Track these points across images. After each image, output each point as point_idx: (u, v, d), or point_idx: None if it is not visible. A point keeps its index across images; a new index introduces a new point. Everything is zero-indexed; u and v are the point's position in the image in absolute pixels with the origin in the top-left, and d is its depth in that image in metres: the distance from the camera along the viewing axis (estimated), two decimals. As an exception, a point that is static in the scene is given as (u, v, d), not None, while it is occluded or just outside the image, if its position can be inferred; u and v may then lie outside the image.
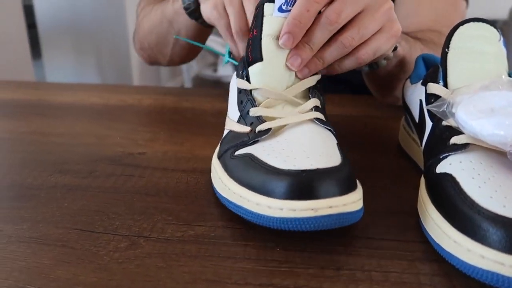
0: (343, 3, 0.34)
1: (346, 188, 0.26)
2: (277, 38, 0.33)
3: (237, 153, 0.31)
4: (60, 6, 2.76)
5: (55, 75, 2.91)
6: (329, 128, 0.32)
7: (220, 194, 0.31)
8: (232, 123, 0.34)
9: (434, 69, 0.34)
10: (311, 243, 0.27)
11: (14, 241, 0.27)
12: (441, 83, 0.32)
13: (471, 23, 0.33)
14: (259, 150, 0.29)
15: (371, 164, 0.39)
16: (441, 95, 0.32)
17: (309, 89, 0.34)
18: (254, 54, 0.34)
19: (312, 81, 0.34)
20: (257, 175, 0.27)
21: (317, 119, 0.32)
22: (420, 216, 0.29)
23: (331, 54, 0.35)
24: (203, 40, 0.60)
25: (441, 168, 0.29)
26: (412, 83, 0.40)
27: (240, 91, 0.34)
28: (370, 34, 0.36)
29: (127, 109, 0.57)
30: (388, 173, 0.37)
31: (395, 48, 0.43)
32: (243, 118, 0.33)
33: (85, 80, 2.86)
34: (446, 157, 0.29)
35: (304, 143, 0.29)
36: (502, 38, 0.33)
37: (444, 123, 0.30)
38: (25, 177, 0.35)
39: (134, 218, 0.29)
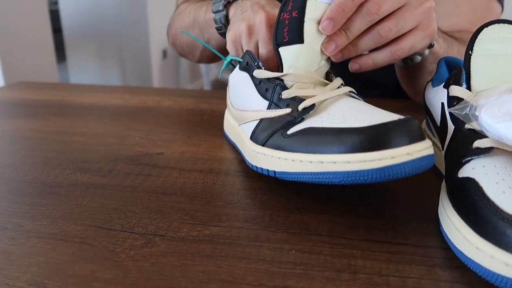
0: None
1: (419, 137, 0.26)
2: (318, 22, 0.34)
3: (290, 132, 0.31)
4: (84, 11, 2.83)
5: (79, 78, 2.99)
6: (363, 100, 0.34)
7: (287, 172, 0.30)
8: (261, 112, 0.35)
9: (457, 72, 0.33)
10: (328, 247, 0.26)
11: (33, 237, 0.27)
12: (464, 85, 0.32)
13: (496, 25, 0.32)
14: (317, 123, 0.30)
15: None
16: (464, 98, 0.31)
17: (328, 71, 0.36)
18: (291, 35, 0.35)
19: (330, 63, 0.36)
20: (333, 138, 0.27)
21: (351, 92, 0.34)
22: (441, 221, 0.28)
23: (366, 42, 0.36)
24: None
25: (463, 172, 0.28)
26: (434, 86, 0.39)
27: (260, 81, 0.36)
28: (407, 29, 0.36)
29: (147, 110, 0.58)
30: (409, 178, 0.36)
31: (432, 45, 0.43)
32: (275, 103, 0.34)
33: (107, 82, 2.92)
34: (468, 161, 0.28)
35: (357, 109, 0.30)
36: None
37: (467, 126, 0.30)
38: (46, 174, 0.36)
39: (151, 217, 0.30)
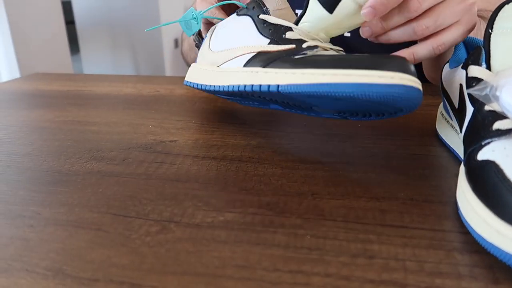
0: None
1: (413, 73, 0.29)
2: (357, 3, 0.34)
3: (296, 56, 0.32)
4: (96, 3, 2.84)
5: (92, 68, 3.01)
6: None
7: (303, 85, 0.30)
8: (260, 47, 0.35)
9: (476, 51, 0.32)
10: (343, 232, 0.26)
11: (51, 224, 0.27)
12: (484, 65, 0.31)
13: None
14: (322, 53, 0.32)
15: (407, 152, 0.38)
16: (484, 78, 0.30)
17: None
18: (323, 1, 0.35)
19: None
20: (340, 58, 0.30)
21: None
22: (459, 205, 0.27)
23: (398, 35, 0.36)
24: None
25: (483, 155, 0.27)
26: (451, 67, 0.38)
27: (264, 22, 0.37)
28: (447, 25, 0.36)
29: (160, 99, 0.58)
30: (425, 162, 0.36)
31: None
32: (277, 41, 0.35)
33: (120, 72, 2.94)
34: (488, 143, 0.27)
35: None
36: None
37: (486, 107, 0.29)
38: (62, 163, 0.37)
39: (165, 203, 0.30)
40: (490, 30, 0.31)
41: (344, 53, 0.33)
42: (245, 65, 0.36)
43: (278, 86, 0.31)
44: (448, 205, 0.29)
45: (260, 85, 0.32)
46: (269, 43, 0.36)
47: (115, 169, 0.35)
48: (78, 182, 0.33)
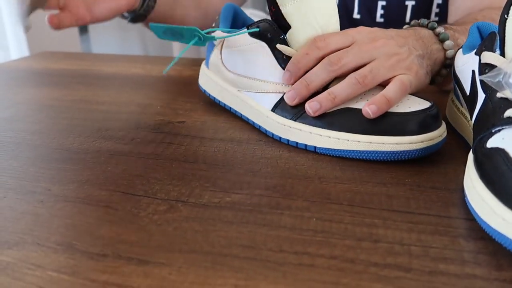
0: (345, 52, 0.35)
1: (436, 125, 0.34)
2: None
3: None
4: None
5: (100, 48, 3.00)
6: None
7: (332, 149, 0.34)
8: (285, 87, 0.37)
9: (490, 37, 0.31)
10: (348, 215, 0.26)
11: (61, 200, 0.28)
12: (498, 51, 0.30)
13: None
14: (352, 103, 0.35)
15: (415, 138, 0.38)
16: (497, 65, 0.29)
17: None
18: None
19: None
20: (367, 121, 0.33)
21: None
22: (466, 192, 0.27)
23: (343, 90, 0.34)
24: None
25: (492, 142, 0.27)
26: (464, 53, 0.37)
27: (284, 56, 0.37)
28: (383, 78, 0.35)
29: (168, 79, 0.58)
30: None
31: (447, 63, 0.41)
32: None
33: (128, 52, 2.92)
34: (499, 131, 0.27)
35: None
36: None
37: (498, 95, 0.28)
38: (71, 141, 0.37)
39: (173, 183, 0.30)
40: (506, 16, 0.30)
41: None
42: (273, 109, 0.37)
43: (315, 147, 0.35)
44: (455, 192, 0.29)
45: (297, 143, 0.36)
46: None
47: (123, 148, 0.36)
48: (87, 160, 0.34)
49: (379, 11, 0.68)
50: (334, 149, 0.34)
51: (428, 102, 0.34)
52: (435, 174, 0.31)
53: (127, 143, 0.37)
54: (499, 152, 0.25)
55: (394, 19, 0.69)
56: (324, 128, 0.34)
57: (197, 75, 0.59)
